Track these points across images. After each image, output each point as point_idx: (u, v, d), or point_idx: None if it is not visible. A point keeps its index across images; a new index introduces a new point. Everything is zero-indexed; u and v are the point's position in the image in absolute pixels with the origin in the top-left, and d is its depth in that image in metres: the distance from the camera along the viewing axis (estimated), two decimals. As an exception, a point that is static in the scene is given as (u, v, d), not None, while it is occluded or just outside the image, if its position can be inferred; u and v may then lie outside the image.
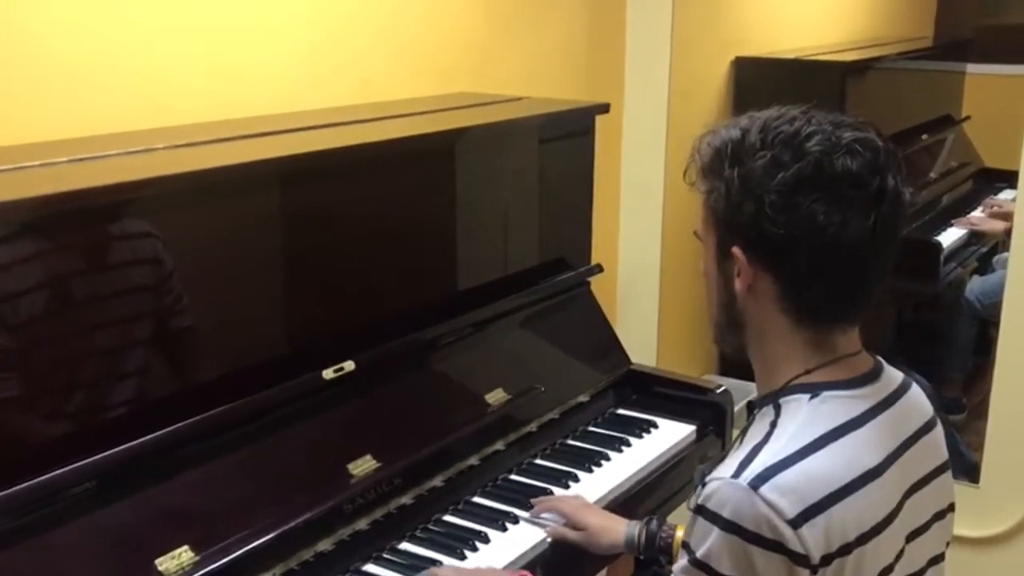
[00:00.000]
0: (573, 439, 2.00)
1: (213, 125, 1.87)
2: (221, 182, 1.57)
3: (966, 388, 3.37)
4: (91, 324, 1.41)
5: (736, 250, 1.13)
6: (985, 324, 3.25)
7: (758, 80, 3.16)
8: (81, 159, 1.54)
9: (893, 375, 1.23)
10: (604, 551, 1.63)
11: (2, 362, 1.30)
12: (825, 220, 1.07)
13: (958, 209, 3.54)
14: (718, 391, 2.09)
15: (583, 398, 2.08)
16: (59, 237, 1.37)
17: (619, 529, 1.60)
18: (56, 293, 1.37)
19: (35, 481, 1.28)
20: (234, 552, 1.40)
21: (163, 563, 1.35)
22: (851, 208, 1.08)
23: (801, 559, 1.05)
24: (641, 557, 1.63)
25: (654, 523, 1.58)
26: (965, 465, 2.69)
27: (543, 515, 1.69)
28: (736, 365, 2.69)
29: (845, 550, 1.07)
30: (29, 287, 1.33)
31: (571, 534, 1.63)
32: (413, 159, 1.88)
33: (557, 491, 1.77)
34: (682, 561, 1.12)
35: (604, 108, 2.21)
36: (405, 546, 1.62)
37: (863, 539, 1.08)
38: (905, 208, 1.13)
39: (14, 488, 1.26)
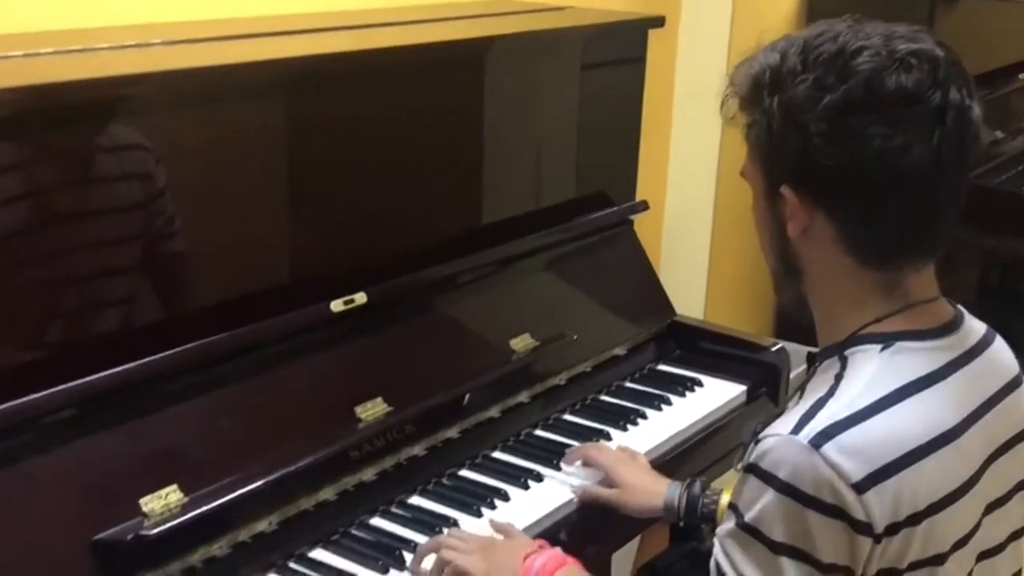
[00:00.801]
0: (606, 395, 2.01)
1: (218, 22, 1.87)
2: (223, 85, 1.57)
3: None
4: (72, 241, 1.42)
5: (785, 189, 1.13)
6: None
7: (833, 4, 3.11)
8: (67, 51, 1.55)
9: (975, 326, 1.22)
10: (637, 514, 1.63)
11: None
12: (882, 145, 1.06)
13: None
14: (773, 348, 2.09)
15: (619, 351, 2.08)
16: (38, 140, 1.37)
17: (657, 491, 1.61)
18: (33, 205, 1.37)
19: (6, 405, 1.29)
20: (226, 495, 1.42)
21: (148, 503, 1.37)
22: (911, 129, 1.06)
23: (864, 527, 1.05)
24: (680, 524, 1.63)
25: (697, 486, 1.59)
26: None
27: (573, 470, 1.71)
28: (795, 327, 2.68)
29: (914, 520, 1.07)
30: (2, 198, 1.34)
31: (603, 492, 1.65)
32: (439, 70, 1.88)
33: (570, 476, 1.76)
34: (728, 524, 1.12)
35: (658, 22, 2.19)
36: (416, 500, 1.64)
37: (935, 508, 1.08)
38: (976, 126, 1.11)
39: (-13, 411, 1.28)
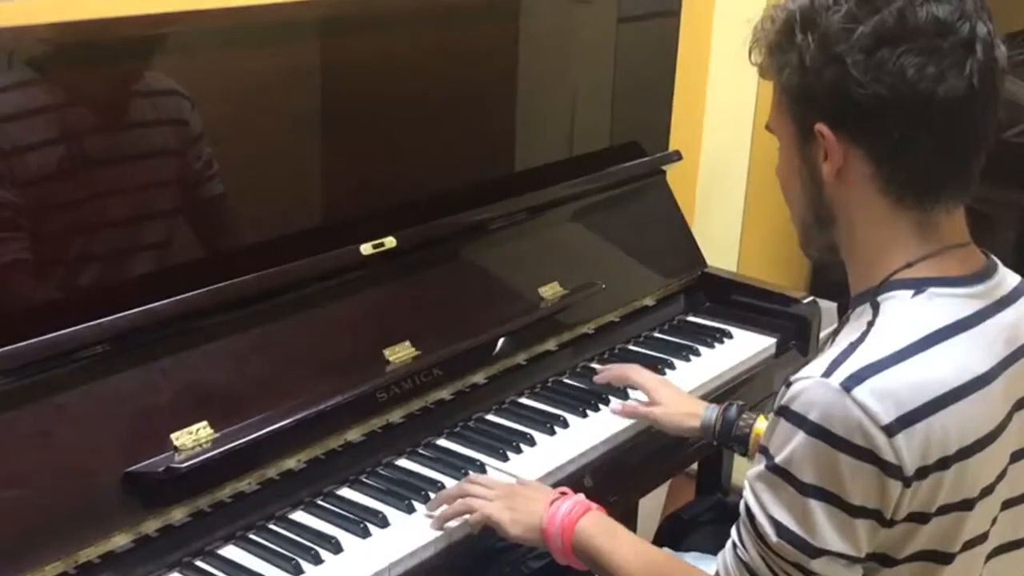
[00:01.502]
0: (634, 344, 2.02)
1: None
2: (258, 26, 1.58)
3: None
4: (109, 182, 1.45)
5: (821, 126, 1.13)
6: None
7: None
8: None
9: (1009, 275, 1.22)
10: (674, 432, 1.69)
11: (11, 220, 1.34)
12: (917, 74, 1.07)
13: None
14: (804, 301, 2.09)
15: (648, 301, 2.09)
16: (74, 82, 1.39)
17: (695, 411, 1.66)
18: (70, 148, 1.40)
19: (44, 338, 1.32)
20: (255, 432, 1.44)
21: (179, 437, 1.40)
22: (944, 59, 1.08)
23: (894, 470, 1.05)
24: (715, 443, 1.68)
25: (733, 409, 1.63)
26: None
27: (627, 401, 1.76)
28: (831, 284, 2.67)
29: (943, 464, 1.07)
30: (40, 140, 1.37)
31: (644, 409, 1.70)
32: (474, 14, 1.89)
33: (614, 400, 1.79)
34: (758, 467, 1.13)
35: (695, -30, 2.18)
36: (443, 442, 1.66)
37: (964, 453, 1.08)
38: (1002, 62, 1.12)
39: (21, 344, 1.30)
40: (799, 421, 1.08)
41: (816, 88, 1.12)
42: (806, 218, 1.23)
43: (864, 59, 1.08)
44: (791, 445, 1.08)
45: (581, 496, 1.41)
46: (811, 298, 2.10)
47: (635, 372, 1.77)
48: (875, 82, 1.08)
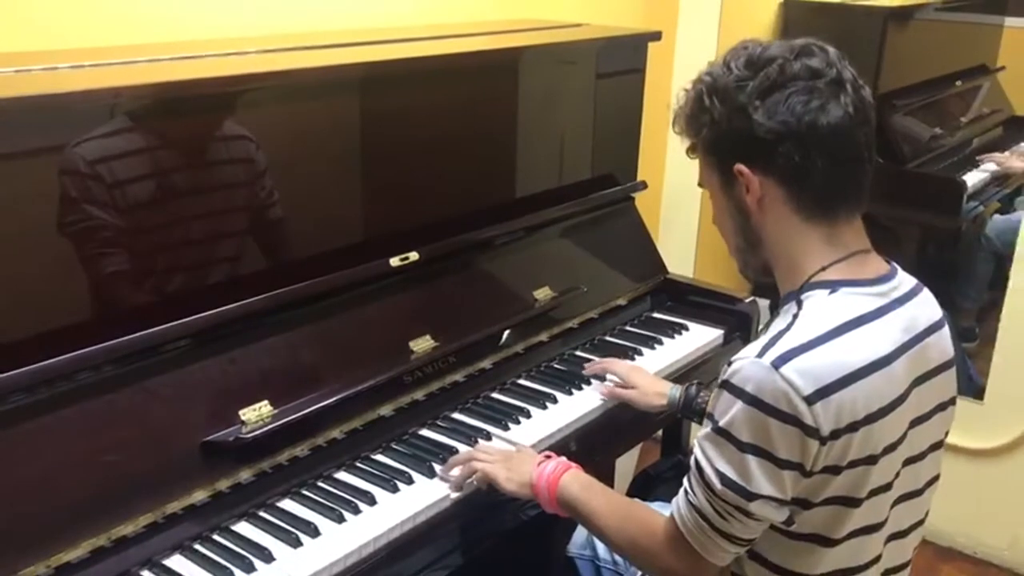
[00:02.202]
0: (610, 336, 2.02)
1: (294, 36, 1.89)
2: (310, 84, 1.59)
3: (979, 319, 3.33)
4: (191, 210, 1.46)
5: (739, 166, 1.15)
6: (1002, 260, 3.20)
7: (804, 22, 3.08)
8: (183, 57, 1.57)
9: (907, 278, 1.23)
10: (646, 408, 1.70)
11: (114, 239, 1.35)
12: (803, 108, 1.10)
13: (986, 153, 3.46)
14: (746, 300, 2.09)
15: (621, 301, 2.09)
16: (163, 129, 1.40)
17: (663, 391, 1.68)
18: (160, 182, 1.40)
19: (138, 334, 1.33)
20: (306, 409, 1.45)
21: (246, 413, 1.41)
22: (823, 94, 1.11)
23: (813, 432, 1.07)
24: (679, 416, 1.69)
25: (694, 388, 1.65)
26: (974, 388, 2.68)
27: (607, 381, 1.77)
28: (768, 287, 2.69)
29: (853, 427, 1.09)
30: (136, 175, 1.37)
31: (623, 392, 1.71)
32: (482, 74, 1.89)
33: (595, 382, 1.79)
34: (705, 430, 1.14)
35: (656, 36, 2.18)
36: (457, 415, 1.66)
37: (870, 419, 1.10)
38: (868, 100, 1.15)
39: (120, 339, 1.32)
40: (738, 393, 1.10)
41: (728, 136, 1.14)
42: (740, 245, 1.24)
43: (760, 104, 1.11)
44: (731, 412, 1.10)
45: (563, 458, 1.41)
46: (752, 298, 2.10)
47: (614, 364, 1.78)
48: (772, 119, 1.10)
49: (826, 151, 1.11)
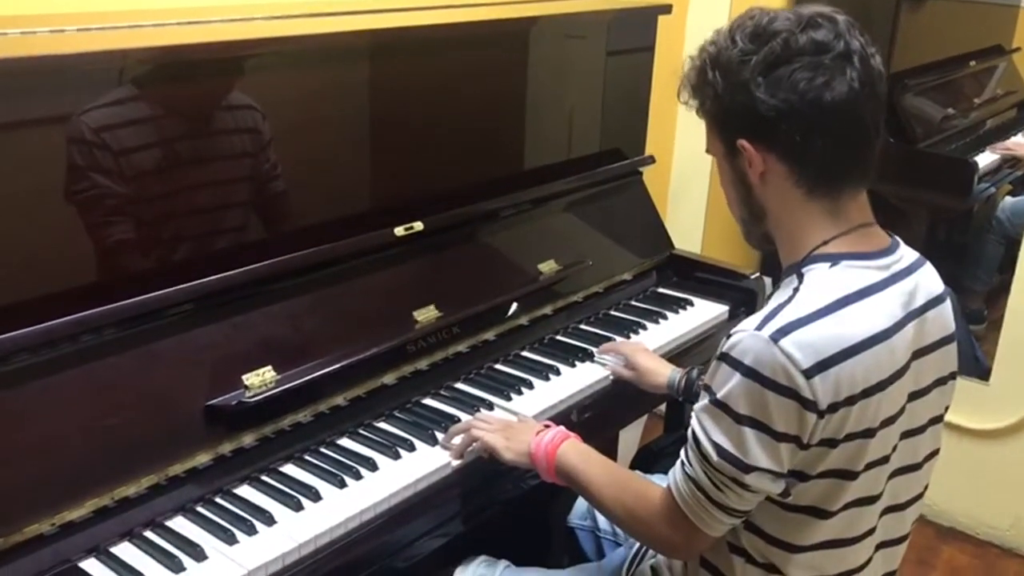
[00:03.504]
0: (615, 310, 2.02)
1: (302, 3, 1.88)
2: (316, 51, 1.58)
3: (988, 301, 3.31)
4: (195, 178, 1.46)
5: (741, 141, 1.14)
6: (1012, 243, 3.17)
7: (817, -1, 3.06)
8: (190, 22, 1.57)
9: (908, 252, 1.22)
10: (649, 389, 1.69)
11: (120, 206, 1.35)
12: (807, 85, 1.08)
13: (1000, 135, 3.41)
14: (751, 276, 2.08)
15: (627, 276, 2.09)
16: (168, 93, 1.39)
17: (664, 373, 1.67)
18: (166, 151, 1.40)
19: (142, 298, 1.34)
20: (309, 375, 1.46)
21: (249, 378, 1.42)
22: (828, 70, 1.08)
23: (810, 405, 1.07)
24: (679, 399, 1.68)
25: (694, 372, 1.64)
26: (980, 370, 2.67)
27: (605, 357, 1.77)
28: (776, 264, 2.68)
29: (850, 401, 1.08)
30: (142, 144, 1.37)
31: (625, 372, 1.71)
32: (491, 43, 1.88)
33: (596, 355, 1.79)
34: (703, 401, 1.14)
35: (667, 9, 2.17)
36: (460, 386, 1.67)
37: (868, 392, 1.09)
38: (878, 70, 1.12)
39: (124, 303, 1.32)
40: (736, 365, 1.09)
41: (731, 111, 1.13)
42: (743, 215, 1.23)
43: (764, 80, 1.09)
44: (729, 384, 1.09)
45: (562, 428, 1.41)
46: (757, 274, 2.10)
47: (622, 345, 1.78)
48: (775, 97, 1.09)
49: (830, 129, 1.10)
